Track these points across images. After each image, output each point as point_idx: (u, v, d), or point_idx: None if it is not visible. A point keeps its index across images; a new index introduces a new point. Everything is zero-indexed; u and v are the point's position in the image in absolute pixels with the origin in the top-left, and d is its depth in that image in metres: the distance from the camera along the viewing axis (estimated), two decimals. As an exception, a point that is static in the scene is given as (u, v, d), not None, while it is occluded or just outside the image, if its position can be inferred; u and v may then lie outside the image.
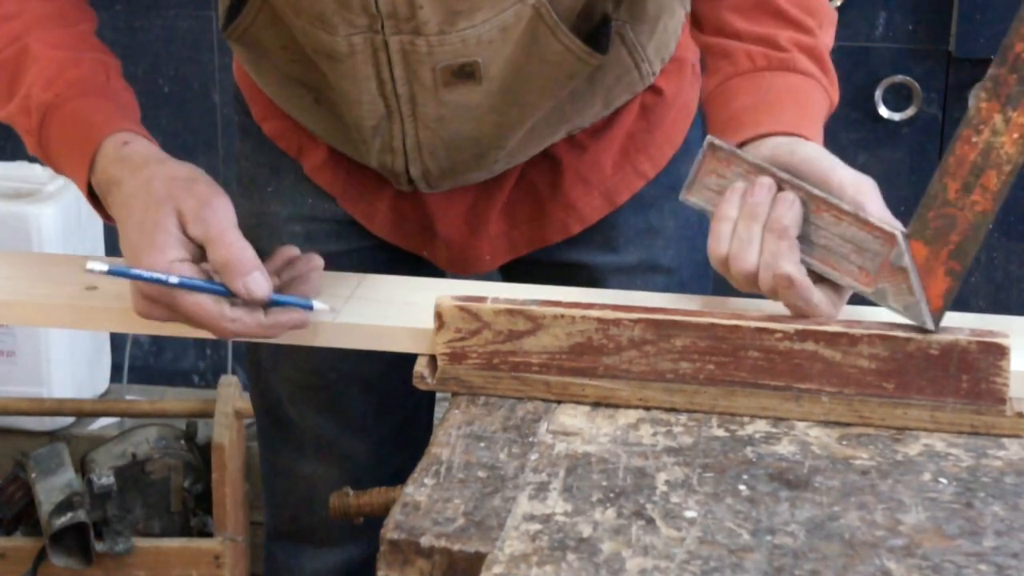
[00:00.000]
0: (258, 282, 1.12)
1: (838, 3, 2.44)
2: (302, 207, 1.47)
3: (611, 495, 0.96)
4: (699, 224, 1.50)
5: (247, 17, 1.32)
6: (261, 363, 1.55)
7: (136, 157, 1.19)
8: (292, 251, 1.21)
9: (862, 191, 1.12)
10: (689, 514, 0.94)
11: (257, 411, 1.60)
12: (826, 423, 1.08)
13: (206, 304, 1.12)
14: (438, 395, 1.57)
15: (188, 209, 1.13)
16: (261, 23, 1.32)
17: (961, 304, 2.59)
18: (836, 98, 1.25)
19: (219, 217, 1.13)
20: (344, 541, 1.58)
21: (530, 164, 1.43)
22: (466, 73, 1.28)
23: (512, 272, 1.50)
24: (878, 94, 2.47)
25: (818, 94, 1.22)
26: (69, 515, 2.34)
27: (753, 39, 1.23)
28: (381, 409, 1.54)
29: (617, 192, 1.45)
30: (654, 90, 1.44)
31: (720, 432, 1.06)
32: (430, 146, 1.35)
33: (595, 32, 1.32)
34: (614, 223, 1.46)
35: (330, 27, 1.25)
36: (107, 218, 1.22)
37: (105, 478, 2.39)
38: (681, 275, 1.48)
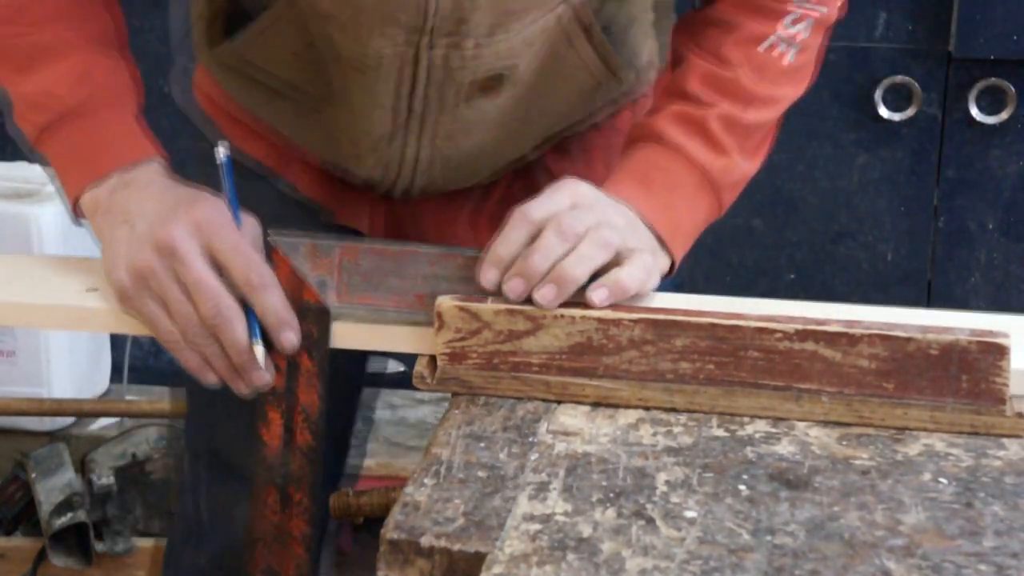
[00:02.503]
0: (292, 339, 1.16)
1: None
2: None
3: (611, 495, 0.96)
4: None
5: (268, 19, 1.29)
6: (194, 403, 1.51)
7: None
8: None
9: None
10: (689, 514, 0.94)
11: (193, 456, 1.53)
12: (826, 423, 1.08)
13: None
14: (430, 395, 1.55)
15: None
16: (280, 28, 1.29)
17: (961, 304, 2.59)
18: (713, 162, 1.25)
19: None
20: None
21: (518, 173, 1.43)
22: (492, 85, 1.26)
23: None
24: (878, 94, 2.47)
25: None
26: (69, 515, 2.34)
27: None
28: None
29: None
30: (638, 106, 1.43)
31: (720, 432, 1.06)
32: (427, 163, 1.34)
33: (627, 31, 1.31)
34: None
35: (364, 32, 1.22)
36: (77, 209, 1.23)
37: (105, 478, 2.39)
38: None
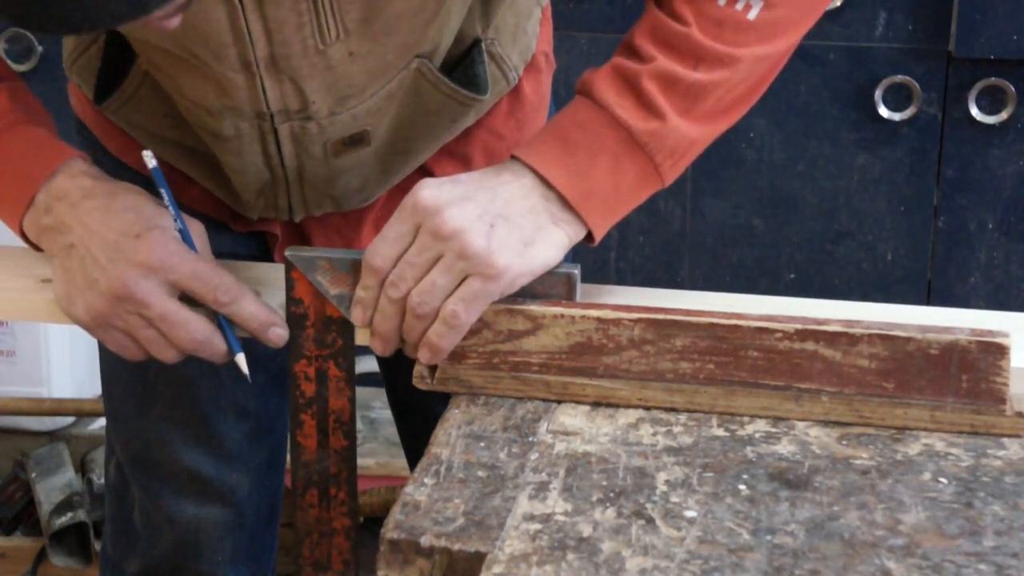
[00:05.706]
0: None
1: (838, 3, 2.44)
2: None
3: (611, 495, 0.96)
4: None
5: (129, 86, 1.30)
6: (119, 413, 1.49)
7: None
8: None
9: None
10: (689, 514, 0.94)
11: (123, 464, 1.51)
12: (826, 423, 1.08)
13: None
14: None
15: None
16: (143, 95, 1.30)
17: (961, 304, 2.58)
18: (642, 125, 1.15)
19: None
20: None
21: (411, 177, 1.42)
22: (356, 140, 1.28)
23: None
24: (878, 94, 2.47)
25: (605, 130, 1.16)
26: (69, 515, 2.34)
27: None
28: (255, 435, 1.49)
29: None
30: (518, 92, 1.42)
31: (720, 432, 1.06)
32: (316, 200, 1.35)
33: (467, 57, 1.29)
34: None
35: (215, 114, 1.24)
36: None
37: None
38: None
